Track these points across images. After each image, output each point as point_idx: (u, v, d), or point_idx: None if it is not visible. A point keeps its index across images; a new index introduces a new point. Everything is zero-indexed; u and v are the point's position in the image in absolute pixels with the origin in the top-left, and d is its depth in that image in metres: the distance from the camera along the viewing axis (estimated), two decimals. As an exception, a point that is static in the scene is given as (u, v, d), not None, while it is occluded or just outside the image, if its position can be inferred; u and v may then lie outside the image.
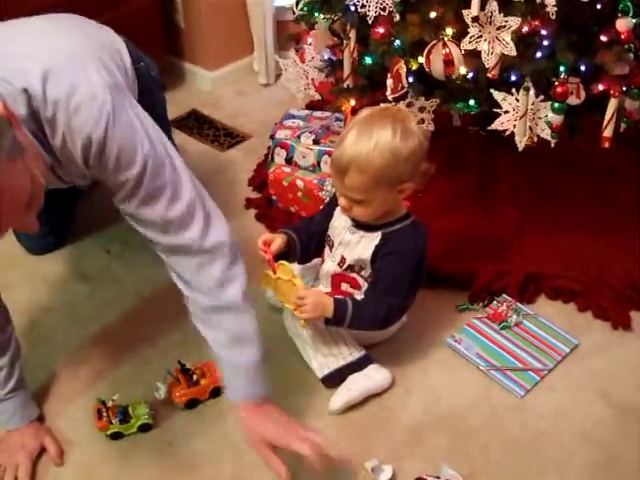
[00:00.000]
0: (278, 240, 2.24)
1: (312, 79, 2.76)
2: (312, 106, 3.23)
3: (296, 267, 2.31)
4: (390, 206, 2.16)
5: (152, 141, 1.82)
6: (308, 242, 2.33)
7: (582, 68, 2.25)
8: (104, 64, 1.83)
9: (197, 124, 3.48)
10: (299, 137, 2.85)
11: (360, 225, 2.20)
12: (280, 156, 2.86)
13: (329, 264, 2.30)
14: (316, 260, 2.40)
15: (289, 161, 2.84)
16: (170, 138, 2.33)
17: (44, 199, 1.63)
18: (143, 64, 2.27)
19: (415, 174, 2.10)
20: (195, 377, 2.20)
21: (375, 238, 2.17)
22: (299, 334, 2.24)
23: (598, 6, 2.23)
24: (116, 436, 2.13)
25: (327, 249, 2.32)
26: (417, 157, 2.07)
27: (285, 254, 2.26)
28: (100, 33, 2.14)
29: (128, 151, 1.76)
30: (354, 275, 2.24)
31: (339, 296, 2.20)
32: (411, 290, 2.23)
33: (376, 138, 2.01)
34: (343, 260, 2.24)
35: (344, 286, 2.28)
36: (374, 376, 2.22)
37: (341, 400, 2.17)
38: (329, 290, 2.30)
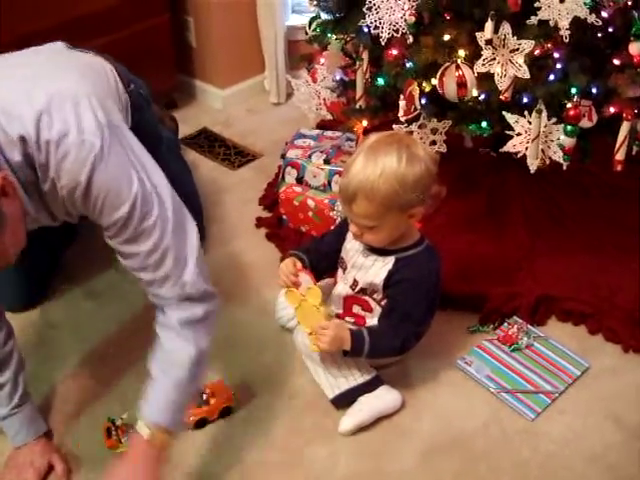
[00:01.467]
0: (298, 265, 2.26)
1: (324, 99, 2.77)
2: (323, 126, 3.24)
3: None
4: (402, 231, 2.16)
5: (142, 182, 1.84)
6: (318, 263, 2.34)
7: (594, 91, 2.25)
8: (99, 100, 1.85)
9: (208, 142, 3.49)
10: (310, 157, 2.86)
11: (373, 249, 2.20)
12: (291, 175, 2.87)
13: (341, 286, 2.29)
14: (327, 280, 2.41)
15: (300, 180, 2.85)
16: (159, 151, 2.35)
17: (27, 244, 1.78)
18: (134, 86, 2.32)
19: (424, 198, 2.09)
20: (204, 396, 2.20)
21: (388, 263, 2.17)
22: (310, 354, 2.24)
23: (610, 29, 2.23)
24: (125, 455, 2.13)
25: (340, 271, 2.32)
26: (425, 182, 2.06)
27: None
28: (93, 65, 2.17)
29: (114, 195, 1.79)
30: (366, 298, 2.24)
31: (355, 328, 2.19)
32: (426, 316, 2.24)
33: (382, 165, 2.01)
34: (355, 283, 2.24)
35: (356, 308, 2.28)
36: (385, 397, 2.22)
37: (351, 421, 2.17)
38: (340, 312, 2.30)
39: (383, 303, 2.23)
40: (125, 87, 2.23)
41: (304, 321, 2.19)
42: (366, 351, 2.14)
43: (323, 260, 2.35)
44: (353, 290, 2.25)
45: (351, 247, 2.26)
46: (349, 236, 2.26)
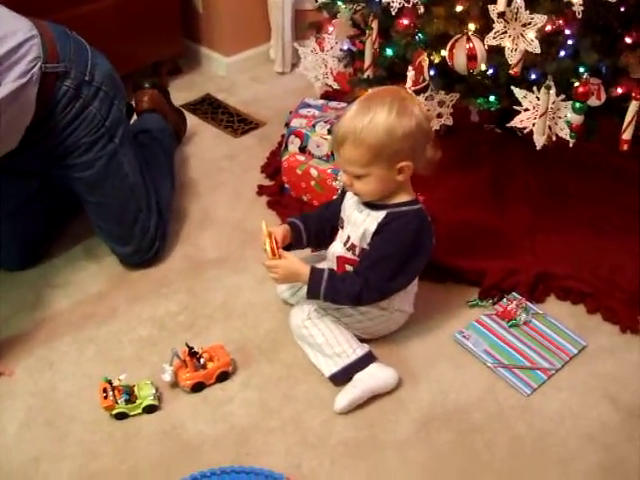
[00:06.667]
0: (278, 231, 2.27)
1: (330, 68, 2.75)
2: (327, 96, 3.23)
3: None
4: (391, 186, 2.14)
5: None
6: (319, 229, 2.35)
7: (603, 70, 2.24)
8: None
9: (211, 109, 3.48)
10: (314, 126, 2.85)
11: (367, 204, 2.20)
12: (294, 144, 2.85)
13: (336, 244, 2.30)
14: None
15: (303, 150, 2.84)
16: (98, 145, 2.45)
17: None
18: (72, 70, 2.35)
19: (414, 154, 2.09)
20: (202, 360, 2.20)
21: (379, 217, 2.16)
22: (302, 336, 2.26)
23: (623, 8, 2.21)
24: (121, 416, 2.13)
25: (340, 230, 2.31)
26: (415, 137, 2.07)
27: (289, 244, 2.31)
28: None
29: None
30: (355, 258, 2.24)
31: (318, 267, 2.22)
32: (398, 274, 2.20)
33: (372, 114, 2.04)
34: (348, 239, 2.24)
35: (348, 267, 2.27)
36: (378, 375, 2.20)
37: (346, 399, 2.16)
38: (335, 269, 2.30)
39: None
40: (47, 62, 2.27)
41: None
42: (323, 290, 2.16)
43: (327, 226, 2.36)
44: (345, 246, 2.25)
45: (349, 205, 2.26)
46: (348, 194, 2.27)
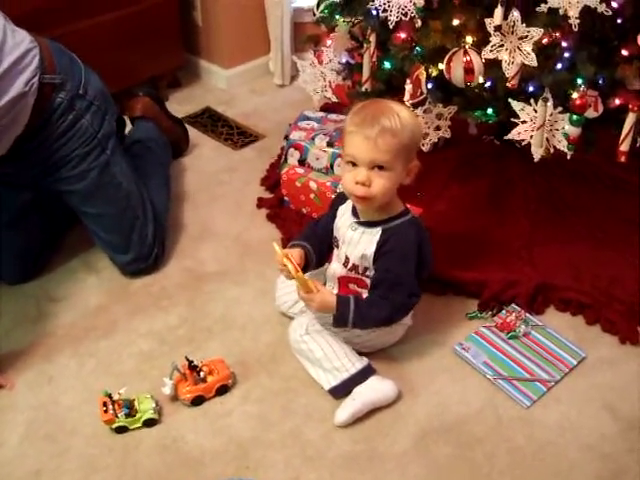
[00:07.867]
0: (295, 254, 2.23)
1: (329, 81, 2.76)
2: (327, 109, 3.24)
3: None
4: (395, 190, 2.16)
5: None
6: (320, 248, 2.35)
7: (600, 82, 2.25)
8: None
9: (211, 121, 3.49)
10: (313, 139, 2.86)
11: (361, 222, 2.21)
12: (293, 157, 2.86)
13: (335, 265, 2.31)
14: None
15: (302, 162, 2.85)
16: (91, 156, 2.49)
17: None
18: (68, 83, 2.40)
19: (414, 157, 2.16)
20: (202, 374, 2.20)
21: (376, 234, 2.17)
22: (300, 350, 2.27)
23: (620, 20, 2.22)
24: (121, 430, 2.13)
25: (335, 250, 2.32)
26: (420, 140, 2.25)
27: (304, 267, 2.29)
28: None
29: None
30: (359, 276, 2.24)
31: (343, 295, 2.21)
32: (416, 286, 2.23)
33: (397, 111, 2.09)
34: (347, 260, 2.24)
35: (352, 286, 2.28)
36: (378, 388, 2.20)
37: (346, 412, 2.16)
38: (336, 291, 2.31)
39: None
40: (44, 73, 2.32)
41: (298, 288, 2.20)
42: (351, 318, 2.16)
43: (324, 244, 2.36)
44: (346, 267, 2.26)
45: (342, 224, 2.27)
46: (339, 212, 2.29)
